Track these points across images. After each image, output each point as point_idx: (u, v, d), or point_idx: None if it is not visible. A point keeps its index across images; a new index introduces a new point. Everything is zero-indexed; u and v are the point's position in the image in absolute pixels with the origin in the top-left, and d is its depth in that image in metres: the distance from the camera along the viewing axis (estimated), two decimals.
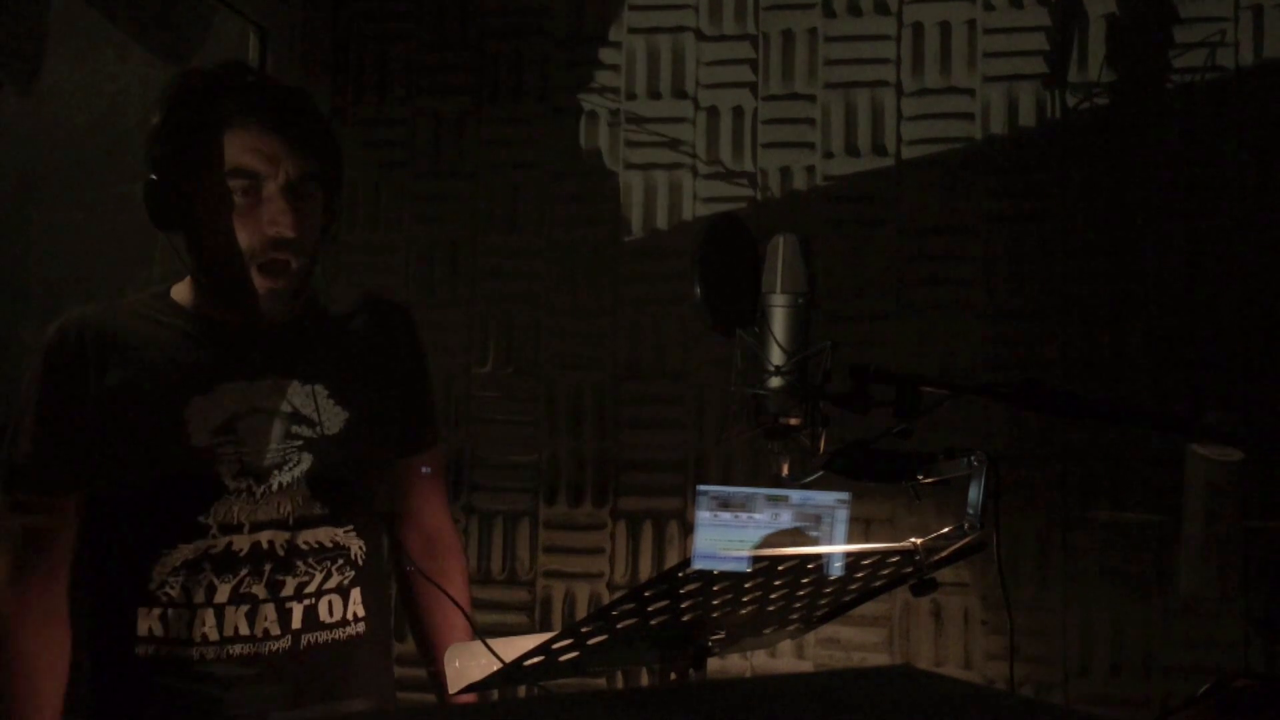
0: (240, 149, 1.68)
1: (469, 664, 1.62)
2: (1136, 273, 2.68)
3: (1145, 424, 1.97)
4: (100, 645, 1.77)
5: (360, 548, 1.82)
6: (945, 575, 1.68)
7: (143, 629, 1.72)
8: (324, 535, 1.78)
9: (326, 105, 2.98)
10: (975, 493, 1.53)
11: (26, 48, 2.42)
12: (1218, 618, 2.59)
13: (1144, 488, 2.62)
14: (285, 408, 1.76)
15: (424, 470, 1.97)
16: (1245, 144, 2.66)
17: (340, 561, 1.80)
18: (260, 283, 1.71)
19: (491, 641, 1.62)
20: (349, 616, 1.81)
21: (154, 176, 1.69)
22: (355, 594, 1.82)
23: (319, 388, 1.79)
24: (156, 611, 1.71)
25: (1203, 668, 2.53)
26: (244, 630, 1.73)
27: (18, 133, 2.42)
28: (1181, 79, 2.68)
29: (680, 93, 2.88)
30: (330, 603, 1.79)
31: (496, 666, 1.51)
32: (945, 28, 2.79)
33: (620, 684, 2.72)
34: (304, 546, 1.76)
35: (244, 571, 1.73)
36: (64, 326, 1.74)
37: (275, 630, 1.74)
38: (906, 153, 2.78)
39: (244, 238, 1.69)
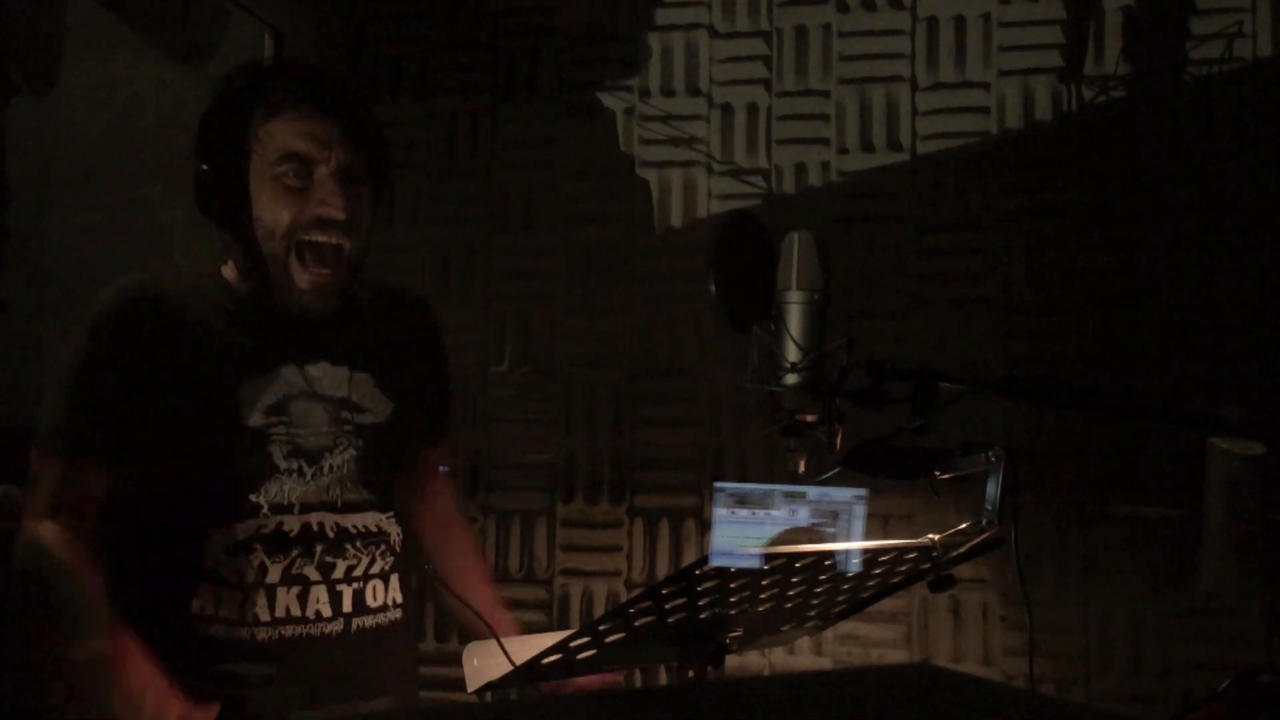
0: (293, 134, 1.69)
1: (487, 663, 1.62)
2: (1154, 266, 2.67)
3: (1164, 418, 1.95)
4: (154, 623, 1.77)
5: (398, 534, 1.84)
6: (964, 571, 1.68)
7: (195, 607, 1.71)
8: (370, 520, 1.79)
9: None
10: (993, 488, 1.52)
11: (43, 52, 2.44)
12: (1239, 613, 2.57)
13: (1164, 482, 2.61)
14: (336, 393, 1.78)
15: (441, 469, 1.98)
16: (1263, 136, 2.64)
17: (383, 547, 1.81)
18: (309, 275, 1.71)
19: (509, 640, 1.62)
20: (389, 602, 1.82)
21: (204, 166, 1.69)
22: (394, 580, 1.83)
23: (367, 376, 1.80)
24: (210, 590, 1.71)
25: (1224, 663, 2.52)
26: (295, 611, 1.73)
27: (35, 136, 2.43)
28: (1199, 71, 2.67)
29: (694, 90, 2.88)
30: (374, 587, 1.80)
31: (514, 665, 1.51)
32: (960, 22, 2.78)
33: (638, 682, 2.72)
34: (352, 530, 1.77)
35: (295, 553, 1.73)
36: (118, 293, 1.73)
37: (327, 612, 1.74)
38: (922, 148, 2.78)
39: (291, 215, 1.69)
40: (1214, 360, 2.62)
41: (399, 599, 1.83)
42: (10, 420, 1.80)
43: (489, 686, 1.60)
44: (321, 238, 1.70)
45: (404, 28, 3.00)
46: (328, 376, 1.78)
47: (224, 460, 1.71)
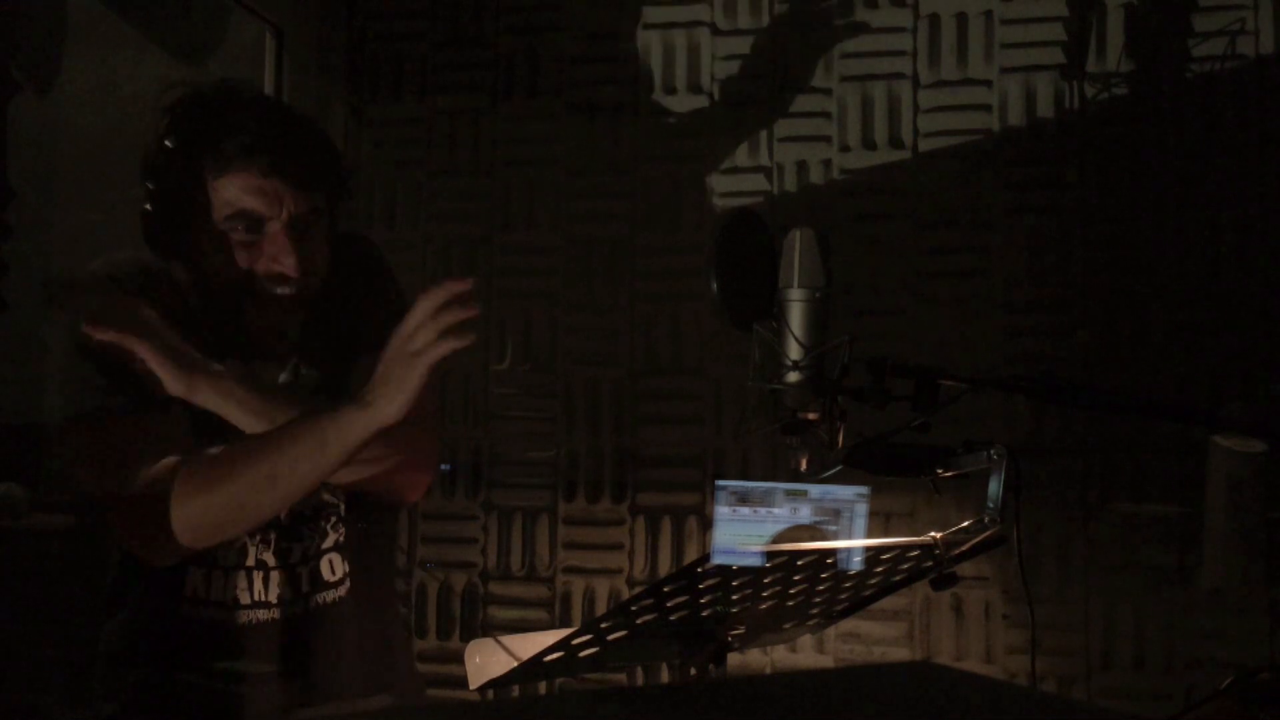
0: (242, 191, 1.66)
1: (489, 660, 1.63)
2: (1156, 264, 2.66)
3: (1166, 416, 1.95)
4: (151, 600, 1.78)
5: (342, 505, 1.84)
6: (966, 569, 1.68)
7: (188, 589, 1.74)
8: (313, 497, 1.80)
9: (342, 105, 2.99)
10: (995, 486, 1.52)
11: (44, 50, 2.44)
12: (1241, 610, 2.57)
13: (1166, 480, 2.60)
14: (281, 380, 1.79)
15: (443, 467, 1.97)
16: (1266, 133, 2.63)
17: (334, 519, 1.82)
18: (259, 319, 1.72)
19: (511, 638, 1.63)
20: (340, 574, 1.83)
21: (148, 207, 1.69)
22: (347, 553, 1.84)
23: (302, 366, 1.80)
24: (200, 571, 1.74)
25: (1226, 660, 2.52)
26: (261, 596, 1.76)
27: (37, 134, 2.43)
28: (1201, 68, 2.66)
29: (696, 87, 2.87)
30: (331, 561, 1.82)
31: (516, 663, 1.51)
32: (962, 19, 2.78)
33: (640, 680, 2.72)
34: (304, 512, 1.79)
35: (257, 537, 1.75)
36: (107, 265, 1.73)
37: (289, 594, 1.77)
38: (923, 145, 2.77)
39: (243, 268, 1.69)
40: (1215, 358, 2.62)
41: (346, 569, 1.84)
42: (12, 418, 1.79)
43: (491, 684, 1.60)
44: (277, 290, 1.70)
45: (404, 26, 3.00)
46: (264, 366, 1.78)
47: (177, 442, 1.71)
